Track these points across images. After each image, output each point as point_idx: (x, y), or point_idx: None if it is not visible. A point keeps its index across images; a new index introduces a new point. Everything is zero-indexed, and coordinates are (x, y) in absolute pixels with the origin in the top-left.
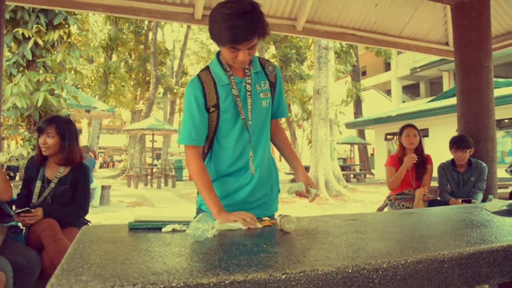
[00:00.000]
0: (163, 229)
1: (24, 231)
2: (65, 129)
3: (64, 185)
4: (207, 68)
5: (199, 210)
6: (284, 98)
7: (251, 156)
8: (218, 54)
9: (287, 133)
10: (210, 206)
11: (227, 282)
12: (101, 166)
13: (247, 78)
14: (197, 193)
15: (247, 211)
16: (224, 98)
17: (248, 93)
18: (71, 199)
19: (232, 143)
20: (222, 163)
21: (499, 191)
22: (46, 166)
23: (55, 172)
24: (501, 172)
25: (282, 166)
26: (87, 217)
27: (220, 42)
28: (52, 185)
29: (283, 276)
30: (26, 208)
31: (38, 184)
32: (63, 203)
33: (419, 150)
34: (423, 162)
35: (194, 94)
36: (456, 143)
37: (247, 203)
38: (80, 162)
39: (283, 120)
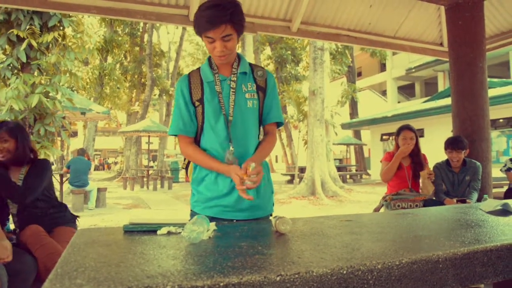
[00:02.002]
0: (158, 232)
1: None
2: (16, 131)
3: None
4: (198, 68)
5: (192, 213)
6: (277, 104)
7: (231, 149)
8: (209, 57)
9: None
10: (218, 171)
11: (221, 284)
12: (96, 168)
13: (232, 76)
14: (191, 195)
15: (239, 212)
16: (208, 93)
17: (232, 90)
18: (47, 195)
19: (216, 139)
20: None
21: (494, 190)
22: (9, 172)
23: (18, 175)
24: (496, 172)
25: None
26: (81, 217)
27: (199, 33)
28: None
29: (278, 278)
30: None
31: None
32: (45, 200)
33: (415, 151)
34: (420, 162)
35: (180, 88)
36: (452, 144)
37: (237, 203)
38: (36, 158)
39: None
